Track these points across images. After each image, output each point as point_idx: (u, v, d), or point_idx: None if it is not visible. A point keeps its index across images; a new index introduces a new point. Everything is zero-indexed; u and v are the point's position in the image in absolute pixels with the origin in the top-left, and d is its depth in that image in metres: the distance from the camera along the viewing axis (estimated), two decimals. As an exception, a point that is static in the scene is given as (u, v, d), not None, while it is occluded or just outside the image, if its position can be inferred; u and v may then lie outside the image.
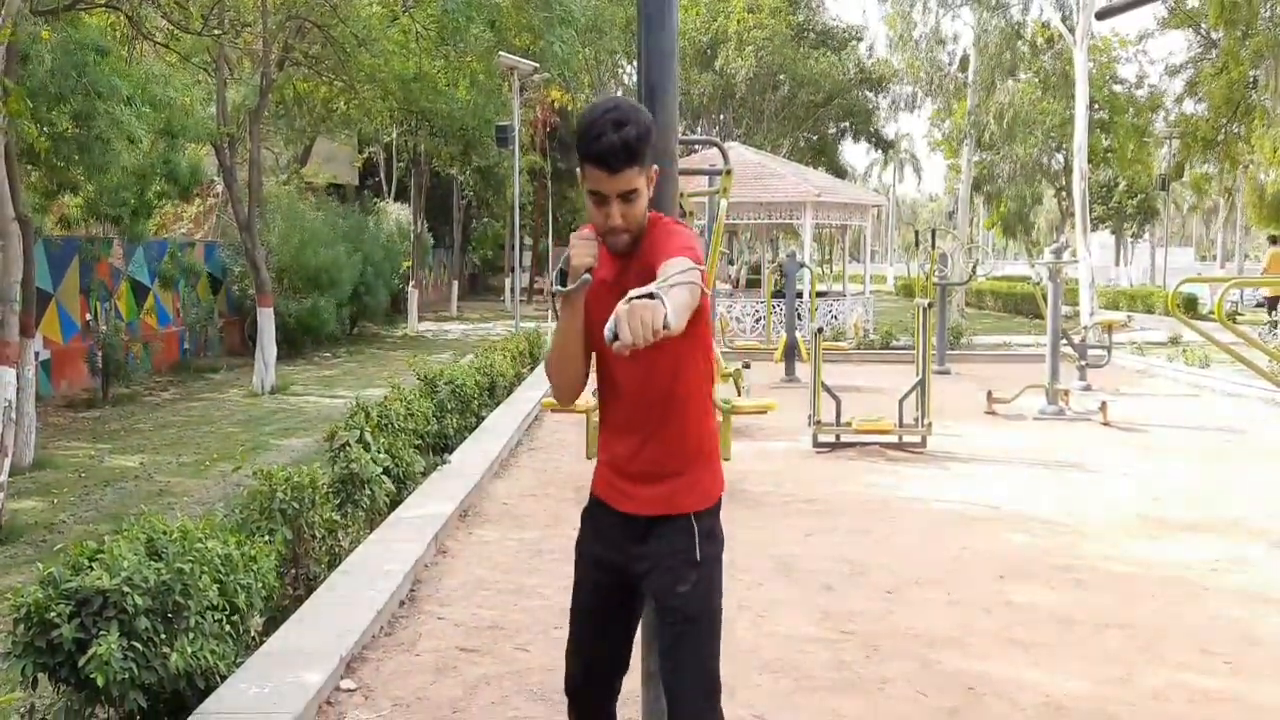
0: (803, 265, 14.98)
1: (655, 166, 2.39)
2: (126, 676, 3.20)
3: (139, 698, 3.32)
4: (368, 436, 6.49)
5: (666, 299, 1.88)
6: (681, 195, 7.54)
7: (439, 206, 32.25)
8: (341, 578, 4.89)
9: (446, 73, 17.41)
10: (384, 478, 6.17)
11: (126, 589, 3.23)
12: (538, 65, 17.44)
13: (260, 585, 4.09)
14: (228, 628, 3.76)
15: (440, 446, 8.15)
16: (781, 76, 29.76)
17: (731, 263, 31.44)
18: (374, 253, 20.35)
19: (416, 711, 3.78)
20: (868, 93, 32.33)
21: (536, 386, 11.56)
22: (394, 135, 24.77)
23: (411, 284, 24.06)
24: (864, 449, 8.97)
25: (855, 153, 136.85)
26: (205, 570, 3.60)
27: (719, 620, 2.50)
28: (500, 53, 16.26)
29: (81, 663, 3.15)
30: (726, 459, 7.41)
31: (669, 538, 2.47)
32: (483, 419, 9.32)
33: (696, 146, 20.96)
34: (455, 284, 31.18)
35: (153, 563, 3.42)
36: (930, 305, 8.94)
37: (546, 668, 4.10)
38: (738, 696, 3.96)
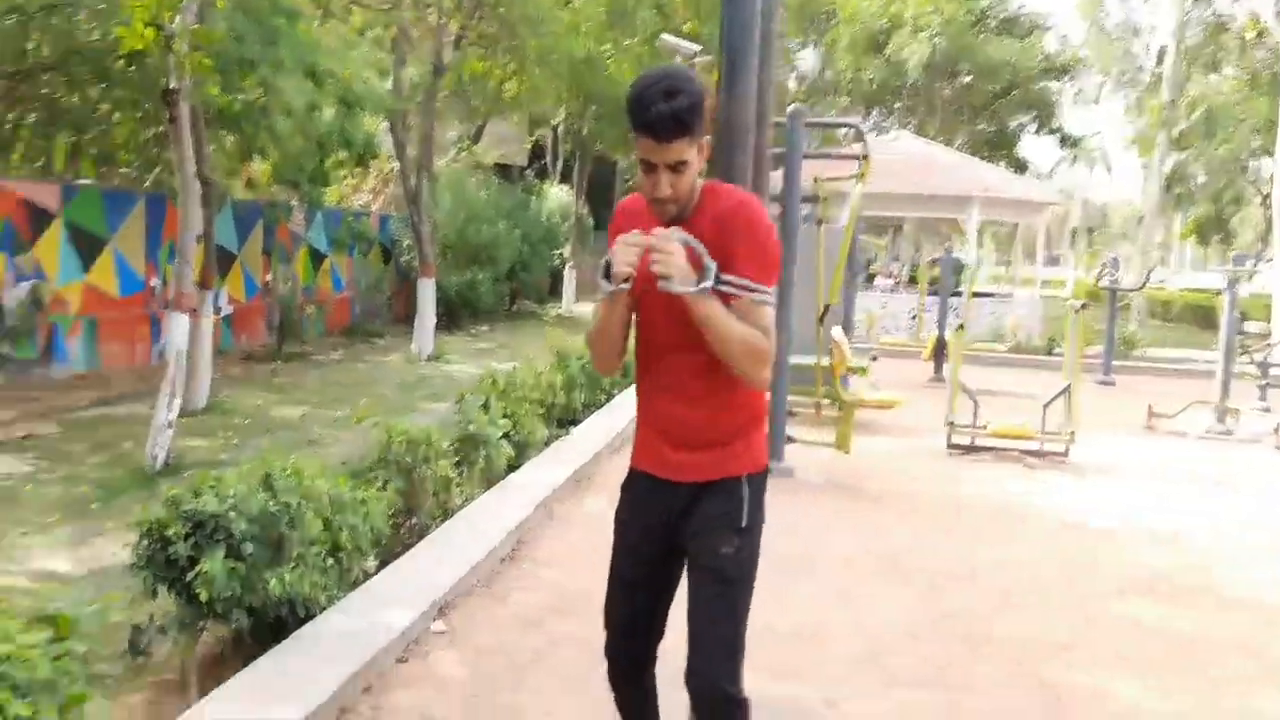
0: (959, 262, 14.47)
1: (708, 138, 2.39)
2: (230, 595, 3.48)
3: (241, 616, 3.61)
4: (492, 402, 6.76)
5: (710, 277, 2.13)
6: (816, 180, 7.48)
7: (601, 190, 32.76)
8: (448, 531, 5.12)
9: (614, 56, 17.68)
10: (503, 442, 6.40)
11: (233, 514, 3.51)
12: (699, 48, 17.44)
13: (369, 528, 4.35)
14: (330, 563, 4.02)
15: (567, 420, 8.37)
16: (961, 66, 28.69)
17: (897, 259, 30.65)
18: (534, 232, 20.90)
19: (497, 656, 3.94)
20: (1052, 83, 30.75)
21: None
22: (562, 118, 25.30)
23: (570, 264, 24.58)
24: (1001, 454, 8.63)
25: (1041, 149, 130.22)
26: (312, 506, 3.86)
27: (751, 590, 2.51)
28: (663, 35, 16.35)
29: (189, 578, 3.45)
30: (845, 452, 7.34)
31: (717, 501, 2.48)
32: (614, 396, 9.49)
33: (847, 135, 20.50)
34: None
35: (263, 494, 3.69)
36: (1083, 308, 8.49)
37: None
38: (810, 681, 3.94)
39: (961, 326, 8.80)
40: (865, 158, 6.96)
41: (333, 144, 12.85)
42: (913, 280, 25.13)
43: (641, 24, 16.05)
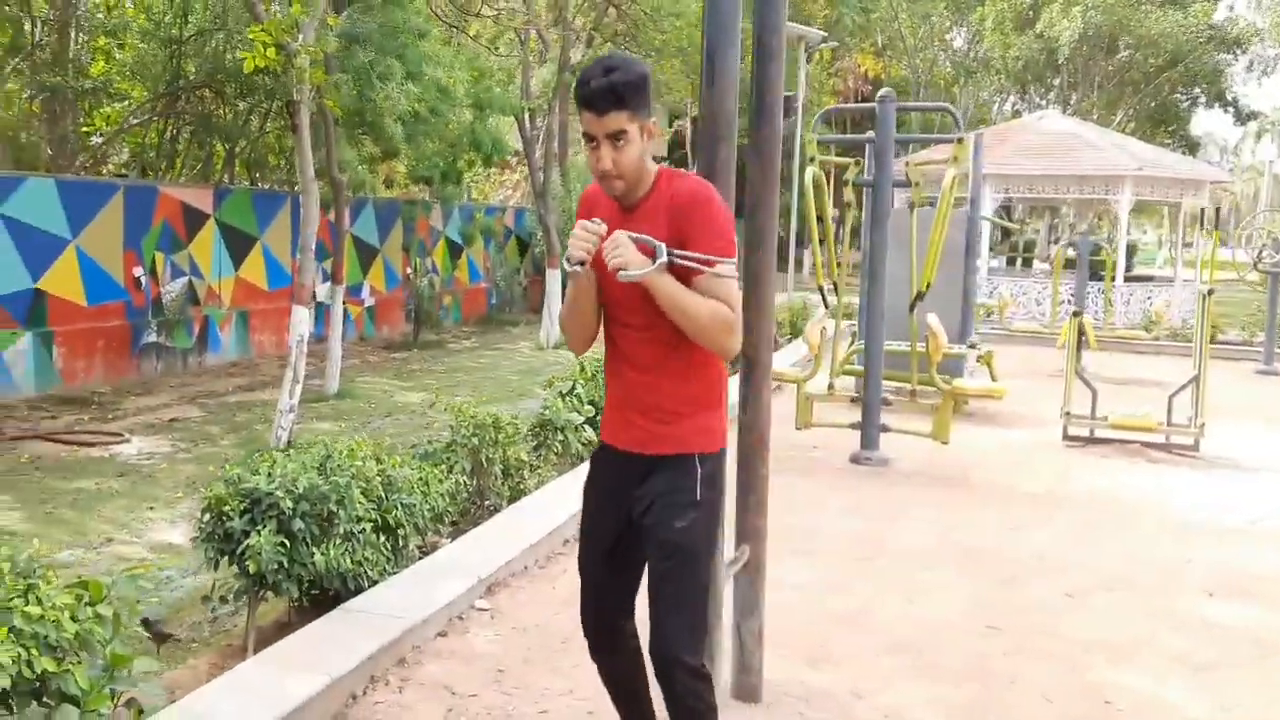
0: (1096, 244, 13.73)
1: (654, 120, 2.48)
2: (276, 567, 3.75)
3: (292, 588, 3.88)
4: (579, 388, 6.93)
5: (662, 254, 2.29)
6: (908, 164, 7.29)
7: (739, 179, 32.55)
8: (515, 512, 5.30)
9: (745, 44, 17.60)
10: (586, 427, 6.56)
11: (280, 493, 3.77)
12: (826, 35, 17.16)
13: (429, 507, 4.58)
14: (383, 539, 4.25)
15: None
16: (1119, 40, 26.99)
17: (1056, 241, 29.24)
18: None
19: (532, 637, 4.08)
20: (1223, 55, 28.52)
21: (783, 359, 11.55)
22: (699, 108, 25.34)
23: (706, 253, 24.64)
24: (1123, 446, 8.18)
25: (1219, 124, 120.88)
26: (361, 486, 4.10)
27: (709, 564, 2.57)
28: (786, 21, 16.28)
29: (239, 551, 3.73)
30: (944, 442, 7.14)
31: (671, 476, 2.55)
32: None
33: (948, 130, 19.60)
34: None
35: (312, 475, 3.95)
36: (1210, 293, 7.95)
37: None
38: (846, 669, 3.91)
39: (1077, 313, 8.37)
40: (960, 140, 6.73)
41: (463, 145, 13.39)
42: (1069, 264, 23.97)
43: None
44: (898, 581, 4.91)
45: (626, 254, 2.38)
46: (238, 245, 12.20)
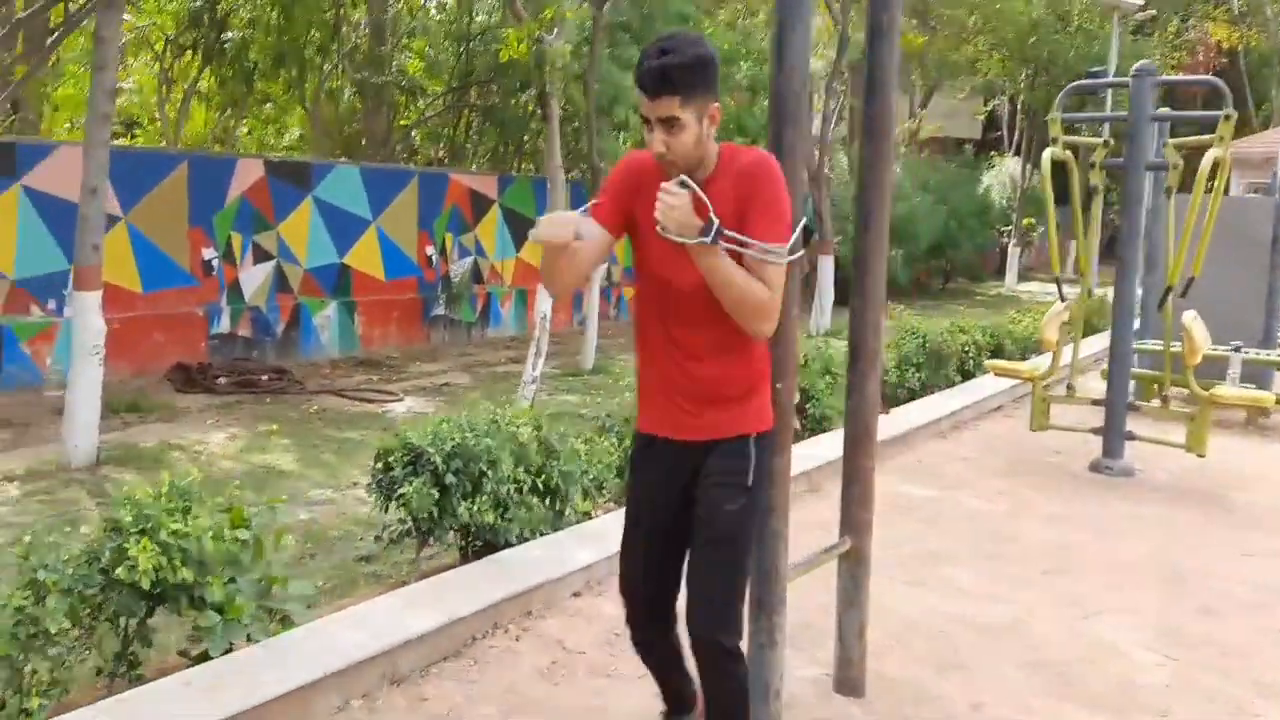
0: None
1: (716, 104, 2.42)
2: (425, 515, 4.13)
3: (445, 535, 4.26)
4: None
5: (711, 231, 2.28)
6: (1166, 145, 6.54)
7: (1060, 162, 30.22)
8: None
9: (1060, 18, 16.40)
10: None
11: (430, 449, 4.15)
12: (1141, 3, 15.53)
13: (590, 476, 4.82)
14: (541, 501, 4.54)
15: (889, 397, 8.19)
16: None
17: None
18: (963, 207, 20.05)
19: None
20: None
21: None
22: (1019, 87, 23.86)
23: (1013, 241, 23.21)
24: None
25: None
26: (512, 450, 4.39)
27: (751, 546, 2.59)
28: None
29: (395, 497, 4.15)
30: (1199, 454, 6.41)
31: (725, 460, 2.55)
32: (961, 381, 9.04)
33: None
34: (1073, 244, 29.14)
35: (467, 436, 4.29)
36: None
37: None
38: (973, 676, 3.69)
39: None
40: (1228, 117, 5.94)
41: (729, 130, 13.57)
42: None
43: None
44: (1076, 598, 4.52)
45: (675, 214, 2.31)
46: (519, 228, 13.16)
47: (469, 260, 12.52)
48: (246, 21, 11.49)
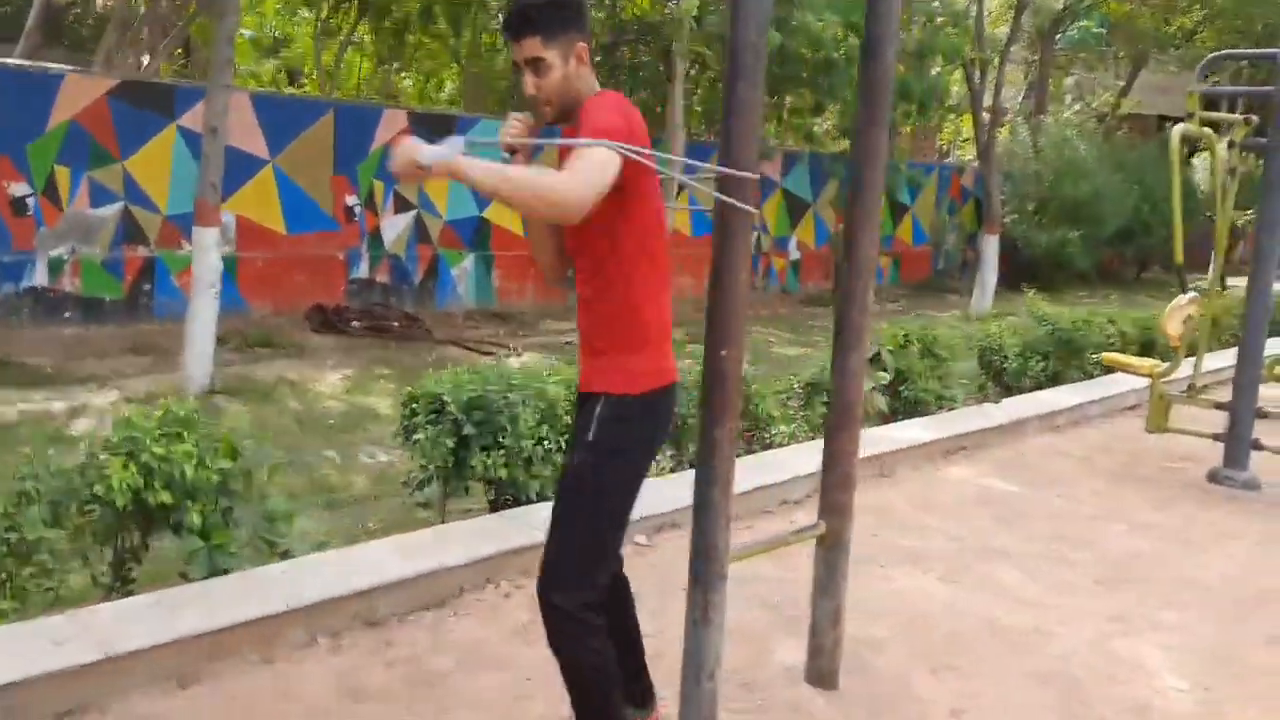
0: None
1: (583, 44, 2.39)
2: (441, 464, 4.19)
3: (460, 486, 4.32)
4: (884, 355, 6.62)
5: (446, 147, 2.05)
6: (1190, 117, 5.83)
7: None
8: (749, 466, 5.25)
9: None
10: (876, 394, 6.28)
11: (447, 399, 4.19)
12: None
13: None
14: (560, 459, 4.50)
15: (1012, 385, 7.70)
16: None
17: None
18: (1160, 189, 18.48)
19: (671, 578, 4.09)
20: None
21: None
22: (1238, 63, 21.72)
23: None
24: None
25: None
26: (538, 407, 4.38)
27: (595, 508, 2.45)
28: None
29: (414, 440, 4.23)
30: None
31: (583, 414, 2.52)
32: (1099, 375, 8.35)
33: None
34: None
35: (486, 389, 4.31)
36: None
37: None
38: (968, 682, 3.43)
39: None
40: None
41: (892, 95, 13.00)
42: None
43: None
44: (1124, 612, 4.11)
45: (404, 152, 2.08)
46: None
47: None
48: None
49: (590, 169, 2.17)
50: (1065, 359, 8.13)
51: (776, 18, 10.20)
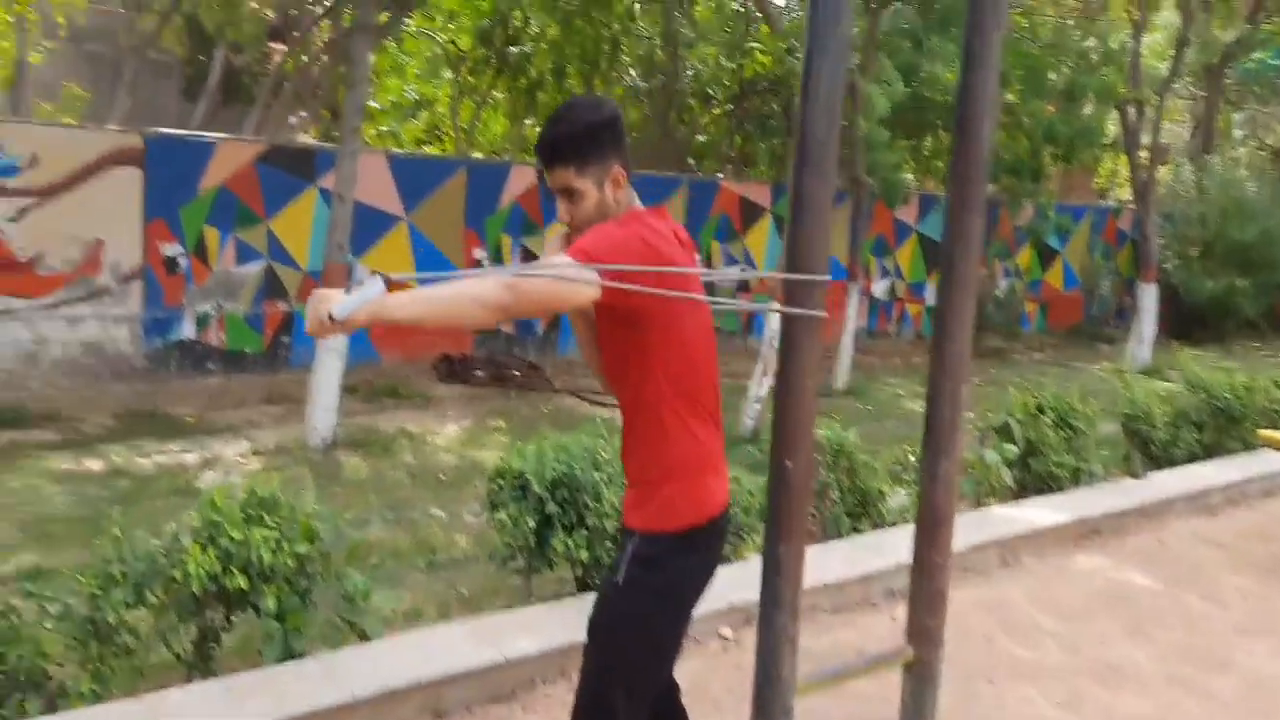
0: None
1: (618, 168, 2.28)
2: (522, 544, 4.12)
3: (542, 565, 4.23)
4: (1012, 423, 6.24)
5: (366, 287, 1.85)
6: None
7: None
8: (833, 545, 4.98)
9: None
10: (1002, 468, 5.93)
11: (531, 477, 4.12)
12: None
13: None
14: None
15: (1162, 458, 7.10)
16: None
17: None
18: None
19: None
20: None
21: None
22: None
23: None
24: None
25: None
26: (619, 480, 4.24)
27: (617, 656, 2.30)
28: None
29: (495, 518, 4.17)
30: None
31: (620, 551, 2.36)
32: (1257, 448, 7.60)
33: None
34: None
35: (569, 466, 4.21)
36: None
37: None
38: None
39: None
40: None
41: (1037, 138, 12.44)
42: None
43: None
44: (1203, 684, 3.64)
45: (313, 306, 1.89)
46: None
47: (734, 269, 12.44)
48: (532, 35, 12.12)
49: (533, 278, 2.09)
50: (1223, 429, 7.45)
51: (907, 64, 9.90)
